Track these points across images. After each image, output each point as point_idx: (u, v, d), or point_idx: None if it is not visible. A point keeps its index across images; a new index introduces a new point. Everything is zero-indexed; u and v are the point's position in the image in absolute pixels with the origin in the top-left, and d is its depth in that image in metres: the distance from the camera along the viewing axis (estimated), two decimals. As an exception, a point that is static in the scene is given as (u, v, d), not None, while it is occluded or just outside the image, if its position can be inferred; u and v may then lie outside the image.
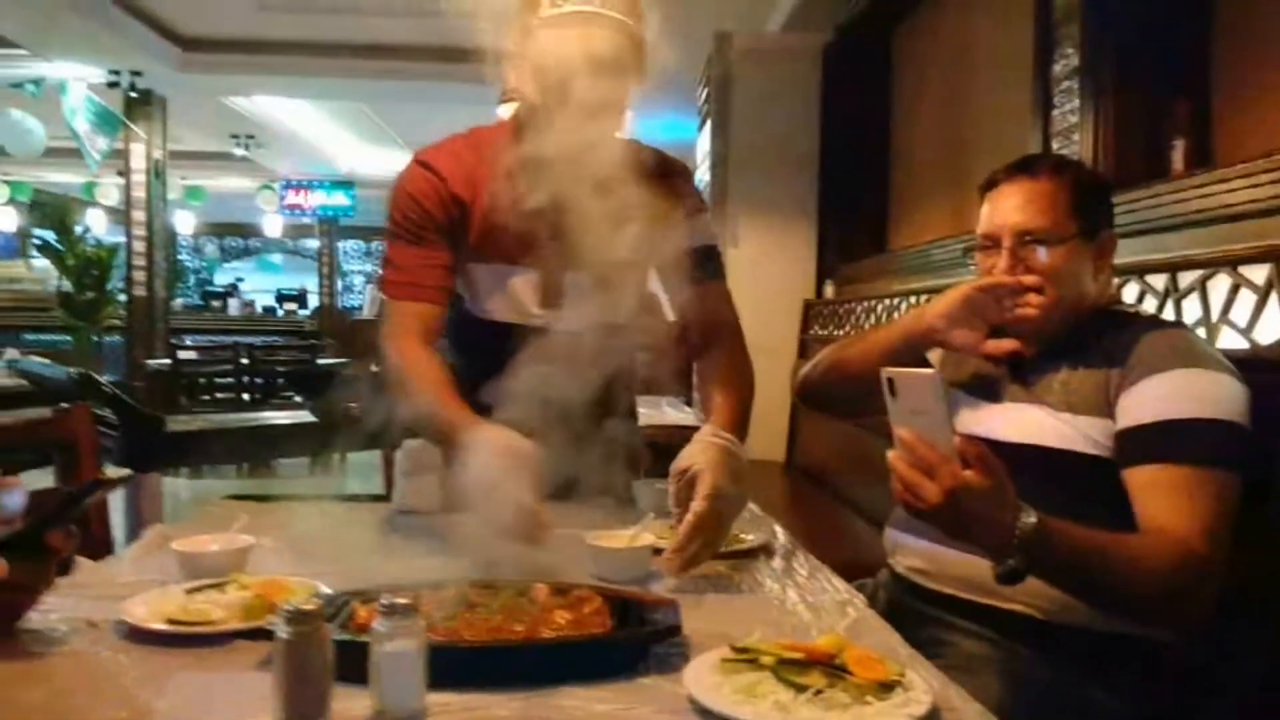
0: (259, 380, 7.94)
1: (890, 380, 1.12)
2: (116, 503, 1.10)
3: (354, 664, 0.84)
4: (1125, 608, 1.24)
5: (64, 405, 1.70)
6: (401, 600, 0.83)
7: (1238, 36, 2.24)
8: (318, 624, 0.80)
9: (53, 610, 1.09)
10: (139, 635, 1.03)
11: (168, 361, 7.60)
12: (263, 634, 0.98)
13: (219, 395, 8.01)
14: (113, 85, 7.45)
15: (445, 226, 1.56)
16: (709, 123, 4.89)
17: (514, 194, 1.49)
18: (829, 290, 4.66)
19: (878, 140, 4.66)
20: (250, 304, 14.30)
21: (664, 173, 1.59)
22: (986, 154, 3.36)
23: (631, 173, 1.44)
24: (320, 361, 7.88)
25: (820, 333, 4.44)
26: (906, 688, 0.86)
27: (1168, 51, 2.32)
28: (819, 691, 0.84)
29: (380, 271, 1.63)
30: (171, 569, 1.26)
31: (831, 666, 0.87)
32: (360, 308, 15.02)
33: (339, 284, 15.83)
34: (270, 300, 14.91)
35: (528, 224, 1.50)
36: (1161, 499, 1.21)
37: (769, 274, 4.68)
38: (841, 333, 4.13)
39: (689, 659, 0.94)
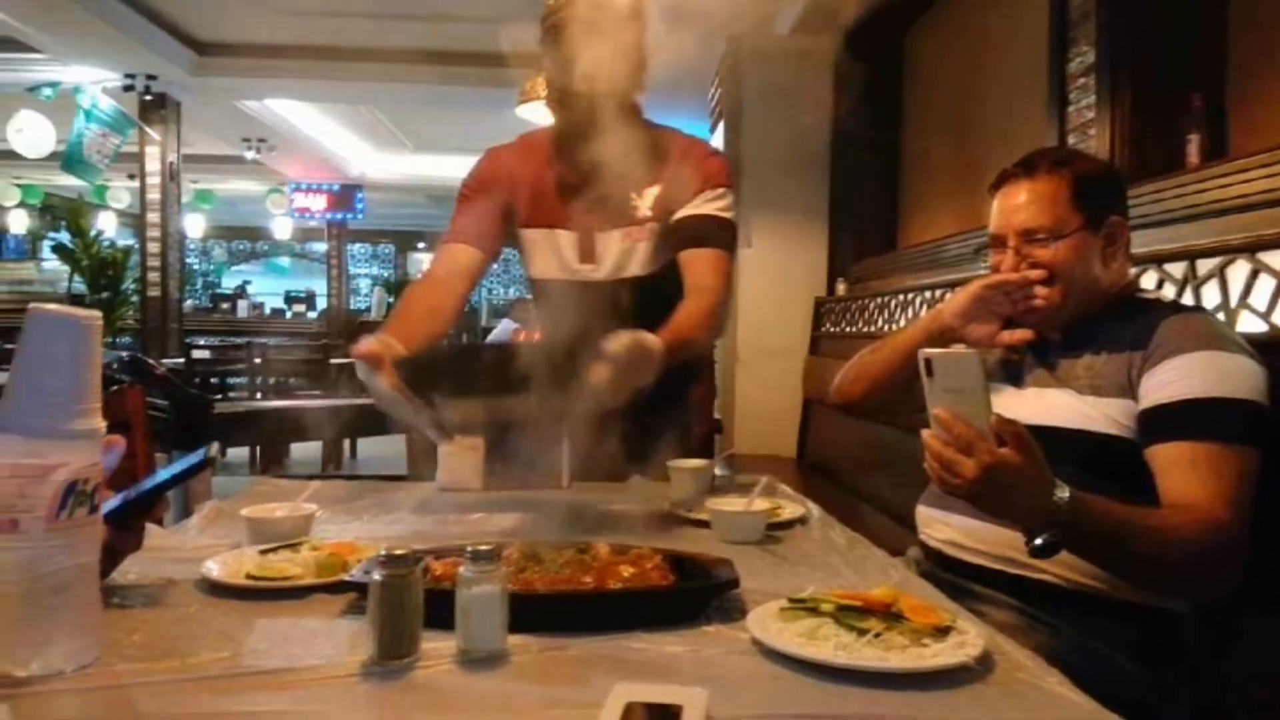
0: (271, 380, 7.99)
1: (928, 361, 1.16)
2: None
3: (437, 612, 0.89)
4: (1154, 577, 1.27)
5: (117, 386, 1.76)
6: (486, 547, 0.88)
7: (1250, 31, 2.29)
8: (411, 567, 0.86)
9: (130, 571, 1.13)
10: (220, 590, 1.08)
11: (181, 361, 7.67)
12: (340, 588, 1.03)
13: (231, 395, 8.05)
14: (128, 89, 7.52)
15: (495, 195, 1.84)
16: (721, 124, 4.94)
17: (553, 170, 1.81)
18: (840, 288, 4.70)
19: (888, 139, 4.72)
20: (259, 306, 14.37)
21: (684, 150, 1.81)
22: (999, 151, 3.40)
23: (648, 146, 1.72)
24: (333, 361, 7.92)
25: (832, 330, 4.48)
26: (960, 632, 0.90)
27: (1182, 47, 2.37)
28: (878, 634, 0.88)
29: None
30: (238, 536, 1.32)
31: (888, 613, 0.91)
32: (368, 309, 15.09)
33: (346, 286, 15.91)
34: (278, 302, 14.98)
35: (565, 193, 1.80)
36: (1187, 475, 1.25)
37: (781, 272, 4.73)
38: (853, 329, 4.17)
39: (747, 611, 0.98)
